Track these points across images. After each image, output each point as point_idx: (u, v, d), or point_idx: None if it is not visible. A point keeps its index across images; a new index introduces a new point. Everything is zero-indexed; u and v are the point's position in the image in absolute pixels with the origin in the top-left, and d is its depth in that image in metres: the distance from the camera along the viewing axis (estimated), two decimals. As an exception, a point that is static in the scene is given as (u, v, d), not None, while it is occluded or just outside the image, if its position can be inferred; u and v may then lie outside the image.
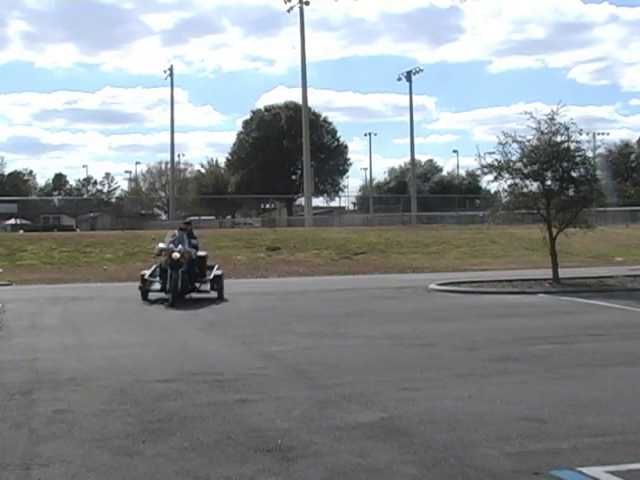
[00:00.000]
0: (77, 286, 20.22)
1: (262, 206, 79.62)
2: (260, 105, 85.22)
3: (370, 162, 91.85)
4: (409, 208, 58.50)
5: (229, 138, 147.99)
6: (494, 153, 18.81)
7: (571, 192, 19.20)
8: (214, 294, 16.05)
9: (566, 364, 8.46)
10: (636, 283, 18.78)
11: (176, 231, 16.33)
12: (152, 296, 15.67)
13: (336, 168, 79.47)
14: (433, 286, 18.07)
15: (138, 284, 15.95)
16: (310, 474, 4.83)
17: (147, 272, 16.18)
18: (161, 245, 16.03)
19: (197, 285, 16.07)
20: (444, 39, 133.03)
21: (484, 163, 19.12)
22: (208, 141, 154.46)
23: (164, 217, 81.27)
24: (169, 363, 8.81)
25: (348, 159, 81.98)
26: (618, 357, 8.94)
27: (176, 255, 15.15)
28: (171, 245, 15.54)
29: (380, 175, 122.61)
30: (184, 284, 15.23)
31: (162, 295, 15.51)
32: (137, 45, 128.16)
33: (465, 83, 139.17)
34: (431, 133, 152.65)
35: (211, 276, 16.18)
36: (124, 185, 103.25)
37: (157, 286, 15.62)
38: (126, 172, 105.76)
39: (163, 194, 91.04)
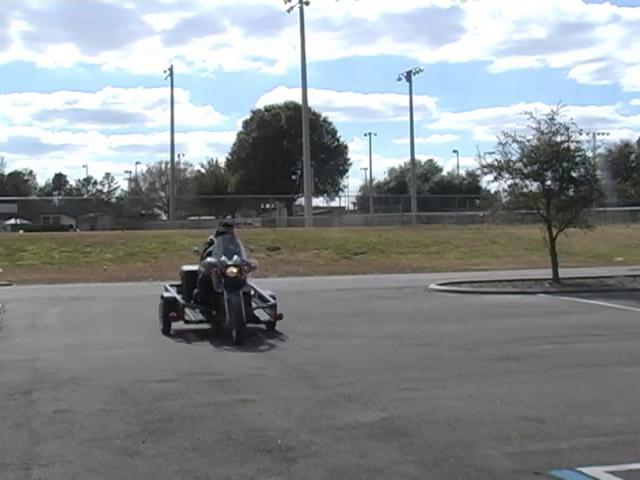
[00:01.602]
0: (77, 286, 20.19)
1: (262, 206, 79.62)
2: (260, 105, 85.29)
3: (370, 162, 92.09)
4: (409, 208, 58.54)
5: (229, 138, 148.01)
6: (494, 153, 18.82)
7: (571, 192, 19.18)
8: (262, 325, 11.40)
9: (566, 364, 8.46)
10: (636, 283, 18.77)
11: (212, 237, 11.77)
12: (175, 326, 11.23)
13: (336, 168, 79.55)
14: (433, 286, 18.06)
15: (160, 309, 11.44)
16: (310, 474, 4.83)
17: (171, 291, 11.77)
18: (210, 260, 10.98)
19: (255, 312, 11.15)
20: (445, 39, 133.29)
21: (484, 163, 19.13)
22: (208, 141, 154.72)
23: (164, 217, 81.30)
24: (169, 363, 8.82)
25: (348, 159, 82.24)
26: (618, 357, 8.93)
27: (232, 271, 10.58)
28: (224, 258, 10.77)
29: (380, 175, 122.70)
30: (247, 311, 10.62)
31: (191, 326, 11.23)
32: (138, 45, 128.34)
33: (465, 83, 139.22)
34: (431, 133, 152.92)
35: (271, 299, 11.45)
36: (124, 185, 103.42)
37: (197, 315, 11.21)
38: (126, 172, 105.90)
39: (163, 194, 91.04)
